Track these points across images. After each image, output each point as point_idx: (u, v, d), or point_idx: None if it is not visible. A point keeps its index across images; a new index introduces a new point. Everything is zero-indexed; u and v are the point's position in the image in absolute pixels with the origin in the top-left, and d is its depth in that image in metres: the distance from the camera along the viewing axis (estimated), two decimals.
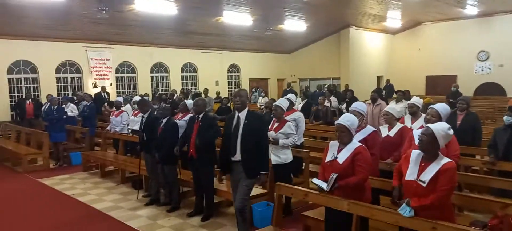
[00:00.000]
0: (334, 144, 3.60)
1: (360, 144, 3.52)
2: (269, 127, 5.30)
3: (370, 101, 8.47)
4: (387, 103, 8.34)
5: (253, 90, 17.86)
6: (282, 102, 5.45)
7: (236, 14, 14.22)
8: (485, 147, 5.56)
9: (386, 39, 20.91)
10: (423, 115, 5.02)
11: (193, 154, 5.15)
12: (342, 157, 3.44)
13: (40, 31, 12.65)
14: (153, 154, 5.70)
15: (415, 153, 3.13)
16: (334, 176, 3.36)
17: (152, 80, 16.66)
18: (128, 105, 9.26)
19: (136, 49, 15.70)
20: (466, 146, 5.48)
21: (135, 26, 13.83)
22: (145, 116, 6.18)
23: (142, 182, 6.74)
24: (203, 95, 12.92)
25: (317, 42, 20.31)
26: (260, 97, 14.96)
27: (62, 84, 14.18)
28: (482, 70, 18.34)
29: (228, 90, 18.91)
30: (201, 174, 5.24)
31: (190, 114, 6.12)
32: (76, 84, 14.49)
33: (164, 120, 5.74)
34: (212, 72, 18.41)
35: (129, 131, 7.89)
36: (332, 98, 11.66)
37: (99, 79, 14.76)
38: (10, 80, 12.92)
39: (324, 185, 3.44)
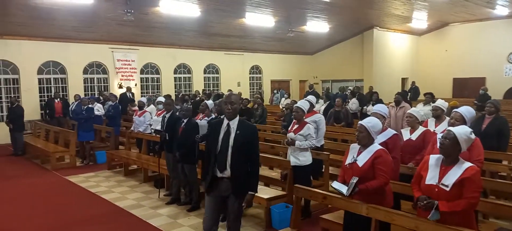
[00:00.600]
0: (354, 147, 3.56)
1: (380, 147, 3.47)
2: (289, 128, 5.30)
3: (393, 103, 8.32)
4: (412, 106, 8.16)
5: (275, 91, 17.86)
6: (303, 104, 5.44)
7: (259, 16, 14.27)
8: None
9: (412, 40, 20.47)
10: (448, 119, 4.90)
11: None
12: (362, 160, 3.39)
13: (69, 33, 13.08)
14: (174, 153, 5.80)
15: (434, 157, 3.06)
16: (355, 181, 3.31)
17: (175, 81, 16.92)
18: (152, 106, 9.45)
19: (160, 50, 15.99)
20: (491, 151, 5.31)
21: (159, 28, 14.10)
22: (167, 115, 6.30)
23: (164, 181, 6.87)
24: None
25: (340, 43, 20.10)
26: (283, 99, 14.95)
27: (89, 84, 14.60)
28: None
29: (250, 92, 18.98)
30: None
31: (212, 115, 6.19)
32: (102, 84, 14.89)
33: (185, 120, 5.83)
34: (234, 74, 18.53)
35: (152, 130, 8.05)
36: (353, 100, 11.51)
37: (125, 80, 15.12)
38: (40, 80, 13.41)
39: (344, 189, 3.39)
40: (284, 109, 10.92)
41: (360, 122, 3.53)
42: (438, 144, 3.26)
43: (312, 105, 6.49)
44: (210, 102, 7.04)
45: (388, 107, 6.27)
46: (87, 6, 11.12)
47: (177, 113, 6.46)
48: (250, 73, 19.61)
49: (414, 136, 4.79)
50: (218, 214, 3.68)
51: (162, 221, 5.40)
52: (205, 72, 17.89)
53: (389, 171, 3.39)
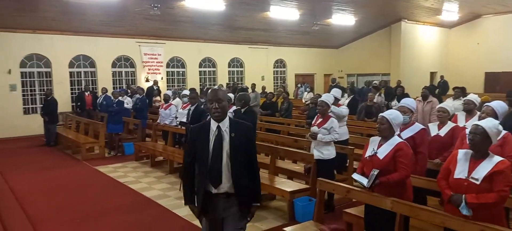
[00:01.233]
0: (375, 140, 3.54)
1: (401, 140, 3.44)
2: (313, 122, 5.28)
3: (420, 98, 8.12)
4: (440, 101, 7.94)
5: (299, 85, 17.76)
6: (328, 98, 5.42)
7: (283, 9, 14.20)
8: None
9: (441, 33, 19.84)
10: (479, 113, 4.76)
11: None
12: (382, 152, 3.36)
13: (98, 28, 13.45)
14: None
15: (462, 152, 3.00)
16: (376, 172, 3.29)
17: (200, 75, 17.11)
18: (177, 99, 9.62)
19: (185, 44, 16.20)
20: None
21: (185, 22, 14.27)
22: (192, 108, 6.40)
23: None
24: (250, 90, 13.08)
25: (366, 36, 19.73)
26: (305, 93, 14.85)
27: (117, 78, 14.98)
28: None
29: (274, 86, 18.95)
30: None
31: (234, 107, 6.25)
32: (130, 78, 15.25)
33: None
34: (258, 67, 18.54)
35: (178, 123, 8.21)
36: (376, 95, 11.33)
37: (151, 73, 15.42)
38: (71, 74, 13.88)
39: (364, 181, 3.39)
40: (308, 103, 10.85)
41: (381, 114, 3.50)
42: (467, 140, 3.19)
43: (336, 99, 6.46)
44: (231, 95, 7.10)
45: (415, 101, 6.14)
46: (116, 1, 11.40)
47: (202, 107, 6.56)
48: (274, 67, 19.57)
49: (442, 132, 4.68)
50: None
51: (186, 212, 5.50)
52: (229, 66, 17.99)
53: (410, 164, 3.36)
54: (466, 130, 4.25)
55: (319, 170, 5.12)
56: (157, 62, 15.62)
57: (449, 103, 5.17)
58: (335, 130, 5.08)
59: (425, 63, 19.12)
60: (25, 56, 12.84)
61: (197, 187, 2.85)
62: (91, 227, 5.07)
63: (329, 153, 5.12)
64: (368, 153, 3.48)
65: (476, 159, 2.89)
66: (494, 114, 4.10)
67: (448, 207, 3.00)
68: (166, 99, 9.30)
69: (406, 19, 17.85)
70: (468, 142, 2.98)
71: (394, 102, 10.28)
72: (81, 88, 13.56)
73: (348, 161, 5.93)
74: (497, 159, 2.81)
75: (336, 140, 5.25)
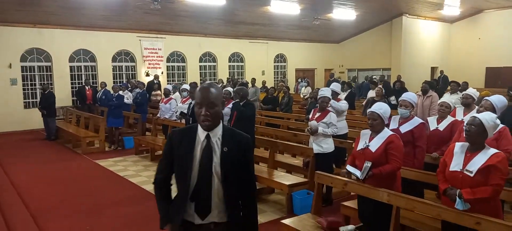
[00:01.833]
0: (365, 133, 3.61)
1: (392, 133, 3.52)
2: (310, 116, 5.29)
3: (420, 92, 8.12)
4: (440, 96, 7.94)
5: (299, 80, 17.76)
6: (327, 92, 5.42)
7: (284, 4, 14.16)
8: None
9: (443, 27, 19.79)
10: (477, 108, 4.77)
11: None
12: (374, 145, 3.42)
13: (99, 22, 13.44)
14: None
15: (459, 145, 3.02)
16: (369, 165, 3.35)
17: (200, 69, 17.11)
18: (177, 93, 9.63)
19: (186, 39, 16.18)
20: None
21: (185, 17, 14.25)
22: (193, 102, 6.42)
23: None
24: (250, 85, 13.08)
25: (367, 31, 19.68)
26: (303, 88, 14.82)
27: (118, 72, 14.99)
28: None
29: (274, 80, 18.95)
30: None
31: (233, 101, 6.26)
32: (130, 72, 15.25)
33: None
34: (259, 62, 18.53)
35: (177, 117, 8.23)
36: (370, 92, 11.29)
37: (151, 68, 15.43)
38: (71, 68, 13.88)
39: (357, 173, 3.45)
40: (307, 98, 10.86)
41: (371, 110, 3.54)
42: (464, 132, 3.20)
43: (336, 94, 6.47)
44: (230, 89, 7.11)
45: (416, 96, 6.15)
46: None
47: None
48: (274, 62, 19.55)
49: (441, 126, 4.68)
50: None
51: None
52: (230, 60, 17.98)
53: (401, 156, 3.43)
54: (464, 123, 4.27)
55: (317, 164, 5.14)
56: (157, 56, 15.62)
57: (447, 98, 5.17)
58: (334, 124, 5.10)
59: (426, 58, 19.08)
60: (26, 50, 12.85)
61: (173, 213, 2.15)
62: (91, 220, 5.10)
63: (328, 146, 5.14)
64: (360, 146, 3.54)
65: (471, 152, 2.90)
66: (492, 108, 4.11)
67: (444, 200, 3.02)
68: (166, 93, 9.32)
69: (407, 13, 17.80)
70: (464, 134, 3.00)
71: (393, 98, 10.25)
72: (82, 82, 13.57)
73: (347, 155, 5.95)
74: (492, 151, 2.83)
75: (335, 134, 5.27)
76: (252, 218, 2.27)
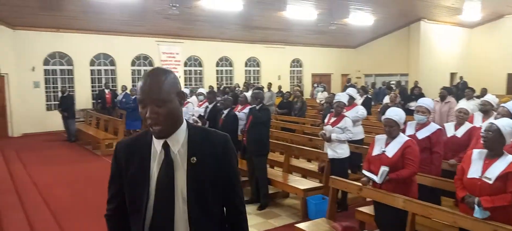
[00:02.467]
0: (380, 138, 3.61)
1: (409, 138, 3.52)
2: (325, 121, 5.30)
3: (438, 98, 8.02)
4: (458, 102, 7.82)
5: (315, 85, 17.71)
6: (343, 97, 5.44)
7: (301, 8, 14.19)
8: None
9: (462, 33, 19.44)
10: (495, 114, 4.70)
11: (245, 144, 5.37)
12: (391, 151, 3.41)
13: (118, 27, 13.75)
14: None
15: (477, 151, 2.99)
16: (387, 169, 3.34)
17: (217, 73, 17.26)
18: (193, 97, 9.75)
19: (203, 43, 16.37)
20: None
21: (202, 22, 14.43)
22: (210, 106, 6.52)
23: None
24: (266, 90, 13.14)
25: (385, 36, 19.50)
26: (319, 92, 14.78)
27: (137, 76, 15.27)
28: None
29: (290, 85, 18.95)
30: (254, 163, 5.42)
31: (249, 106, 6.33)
32: None
33: (225, 111, 6.00)
34: (275, 67, 18.56)
35: (193, 120, 8.34)
36: (386, 97, 11.19)
37: None
38: (92, 72, 14.23)
39: (375, 177, 3.44)
40: (322, 103, 10.83)
41: (387, 116, 3.53)
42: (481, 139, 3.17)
43: (352, 98, 6.46)
44: (248, 94, 7.18)
45: (433, 101, 6.09)
46: (136, 1, 11.64)
47: (218, 105, 6.67)
48: (290, 67, 19.56)
49: (459, 133, 4.63)
50: None
51: None
52: (246, 65, 18.08)
53: (418, 160, 3.44)
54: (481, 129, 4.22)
55: (333, 169, 5.14)
56: (175, 61, 15.84)
57: (464, 104, 5.10)
58: (349, 129, 5.10)
59: (445, 63, 18.77)
60: (48, 54, 13.24)
61: None
62: None
63: (343, 151, 5.14)
64: (376, 151, 3.54)
65: (490, 159, 2.88)
66: (509, 115, 4.05)
67: (462, 207, 2.99)
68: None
69: (425, 18, 17.57)
70: (482, 141, 2.97)
71: (412, 104, 10.14)
72: (102, 86, 13.88)
73: (362, 160, 5.92)
74: (511, 158, 2.79)
75: (350, 140, 5.26)
76: None
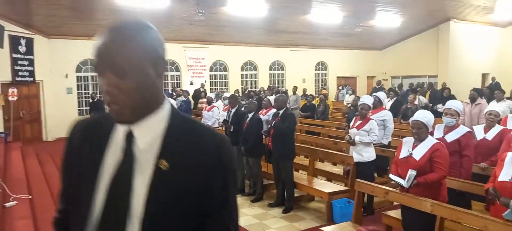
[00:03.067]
0: (408, 140, 3.55)
1: (437, 141, 3.44)
2: (351, 124, 5.28)
3: (468, 100, 7.79)
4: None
5: (340, 87, 17.54)
6: (368, 100, 5.39)
7: (326, 11, 14.13)
8: None
9: (494, 32, 18.75)
10: None
11: (270, 147, 5.41)
12: (418, 154, 3.35)
13: None
14: (239, 146, 6.07)
15: (510, 155, 2.91)
16: (414, 173, 3.29)
17: (242, 78, 17.41)
18: (219, 101, 9.91)
19: (228, 48, 16.56)
20: None
21: (227, 27, 14.62)
22: (233, 110, 6.61)
23: None
24: (291, 93, 13.15)
25: (412, 37, 19.06)
26: (347, 95, 14.64)
27: (164, 81, 15.60)
28: None
29: (315, 88, 18.86)
30: (280, 167, 5.45)
31: (273, 110, 6.38)
32: (175, 81, 15.85)
33: (250, 115, 6.07)
34: (299, 70, 18.52)
35: (219, 124, 8.47)
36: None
37: (195, 77, 15.94)
38: None
39: (402, 182, 3.39)
40: (349, 106, 10.72)
41: (415, 118, 3.48)
42: None
43: (380, 102, 6.38)
44: (272, 97, 7.23)
45: (462, 104, 5.94)
46: (163, 8, 11.96)
47: (243, 109, 6.75)
48: (315, 70, 19.46)
49: (489, 135, 4.50)
50: None
51: None
52: (270, 69, 18.15)
53: (447, 164, 3.35)
54: None
55: (358, 172, 5.10)
56: (201, 66, 16.11)
57: (495, 106, 4.95)
58: (374, 131, 5.05)
59: (476, 64, 18.15)
60: (81, 61, 13.77)
61: None
62: None
63: (369, 155, 5.09)
64: (403, 154, 3.48)
65: None
66: None
67: (493, 211, 2.92)
68: (209, 101, 9.62)
69: (455, 18, 17.07)
70: None
71: (440, 106, 9.89)
72: None
73: (389, 163, 5.84)
74: None
75: (375, 142, 5.21)
76: None
